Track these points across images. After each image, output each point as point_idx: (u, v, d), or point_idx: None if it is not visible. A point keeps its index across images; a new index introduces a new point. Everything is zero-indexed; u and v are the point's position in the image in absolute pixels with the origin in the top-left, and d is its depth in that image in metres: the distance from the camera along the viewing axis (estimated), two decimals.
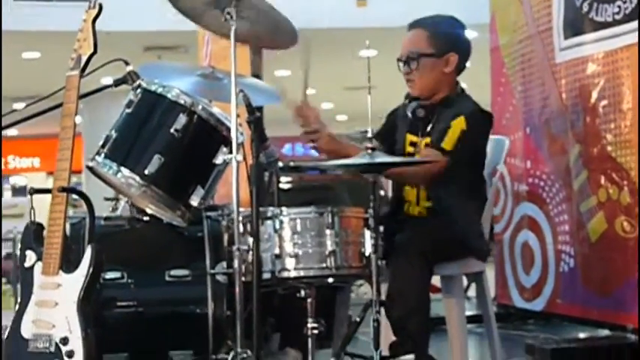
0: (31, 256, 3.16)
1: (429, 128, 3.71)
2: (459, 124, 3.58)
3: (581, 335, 5.24)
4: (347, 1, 12.23)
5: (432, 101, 3.73)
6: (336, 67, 14.80)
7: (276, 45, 3.54)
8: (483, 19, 6.53)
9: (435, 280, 3.66)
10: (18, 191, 23.27)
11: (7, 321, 3.16)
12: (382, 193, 4.32)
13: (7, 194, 22.91)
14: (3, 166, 21.99)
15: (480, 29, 8.19)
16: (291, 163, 6.20)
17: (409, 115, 3.76)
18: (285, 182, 6.14)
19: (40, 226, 3.22)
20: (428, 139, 3.68)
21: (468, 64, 3.81)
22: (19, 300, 3.15)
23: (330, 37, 11.49)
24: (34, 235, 3.20)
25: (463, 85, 3.85)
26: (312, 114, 3.63)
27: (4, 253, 10.24)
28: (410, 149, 3.76)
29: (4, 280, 10.17)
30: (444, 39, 3.74)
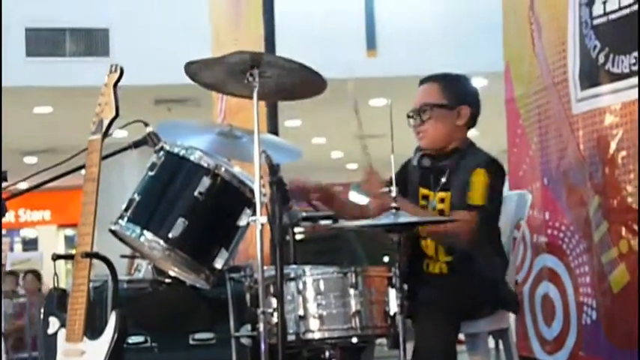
0: (54, 323, 3.14)
1: (442, 182, 3.70)
2: (480, 178, 3.58)
3: None
4: (357, 51, 12.29)
5: (438, 152, 3.73)
6: (347, 116, 14.84)
7: (305, 95, 3.53)
8: (495, 68, 6.55)
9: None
10: (28, 244, 23.29)
11: None
12: None
13: (17, 247, 22.93)
14: (14, 219, 22.02)
15: (491, 78, 8.24)
16: (304, 213, 6.19)
17: (415, 164, 3.78)
18: (298, 232, 6.13)
19: (64, 292, 3.21)
20: (443, 194, 3.67)
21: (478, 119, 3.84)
22: None
23: (340, 87, 11.53)
24: (57, 301, 3.18)
25: (476, 132, 3.86)
26: (377, 179, 3.65)
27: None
28: (422, 203, 3.75)
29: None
30: (457, 92, 3.79)
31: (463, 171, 3.64)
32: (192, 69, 3.32)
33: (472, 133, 3.87)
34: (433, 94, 3.78)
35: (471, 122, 3.80)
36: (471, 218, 3.53)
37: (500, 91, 6.00)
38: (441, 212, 3.68)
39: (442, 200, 3.69)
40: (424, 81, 3.85)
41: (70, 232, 22.56)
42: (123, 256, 4.23)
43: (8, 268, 10.71)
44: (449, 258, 3.67)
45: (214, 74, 3.36)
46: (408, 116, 3.80)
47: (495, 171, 3.66)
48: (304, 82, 3.42)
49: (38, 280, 10.76)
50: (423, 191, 3.78)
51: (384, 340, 3.66)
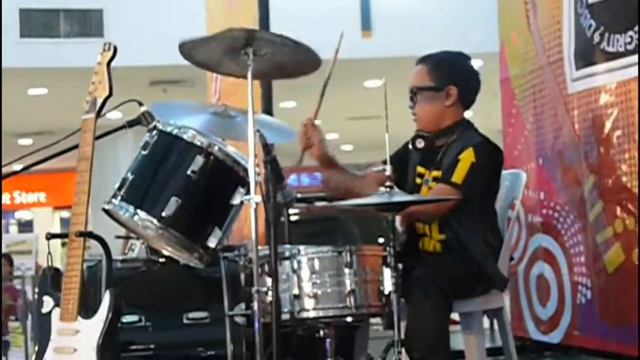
0: (48, 302, 3.14)
1: (436, 160, 3.70)
2: (468, 157, 3.59)
3: None
4: (352, 31, 12.24)
5: (437, 137, 3.73)
6: (341, 97, 14.81)
7: (299, 73, 3.51)
8: (490, 49, 6.54)
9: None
10: (24, 226, 23.29)
11: (17, 358, 3.14)
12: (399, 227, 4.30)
13: (13, 229, 22.93)
14: (9, 202, 22.01)
15: (486, 58, 8.23)
16: (298, 195, 6.19)
17: (410, 146, 3.78)
18: (292, 214, 6.13)
19: (57, 271, 3.20)
20: (436, 173, 3.67)
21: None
22: (34, 345, 3.12)
23: (335, 68, 11.50)
24: (51, 281, 3.18)
25: (470, 113, 3.85)
26: (317, 134, 3.71)
27: None
28: (418, 180, 3.76)
29: (12, 317, 10.13)
30: (444, 72, 3.77)
31: (454, 150, 3.64)
32: (187, 47, 3.30)
33: (467, 114, 3.85)
34: (421, 76, 3.78)
35: (466, 101, 3.79)
36: (446, 192, 3.54)
37: (495, 72, 5.99)
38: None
39: (436, 179, 3.68)
40: (417, 63, 3.85)
41: (65, 214, 22.56)
42: (118, 237, 4.23)
43: (3, 249, 10.66)
44: (442, 236, 3.66)
45: (209, 53, 3.34)
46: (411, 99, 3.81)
47: (484, 151, 3.64)
48: (299, 60, 3.40)
49: (10, 264, 10.70)
50: (420, 169, 3.78)
51: (378, 320, 3.67)
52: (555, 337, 5.31)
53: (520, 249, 5.61)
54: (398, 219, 3.96)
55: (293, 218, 6.20)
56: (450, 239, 3.64)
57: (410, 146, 3.80)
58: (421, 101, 3.75)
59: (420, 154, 3.78)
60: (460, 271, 3.54)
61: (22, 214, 23.88)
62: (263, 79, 3.98)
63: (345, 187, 3.76)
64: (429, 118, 3.75)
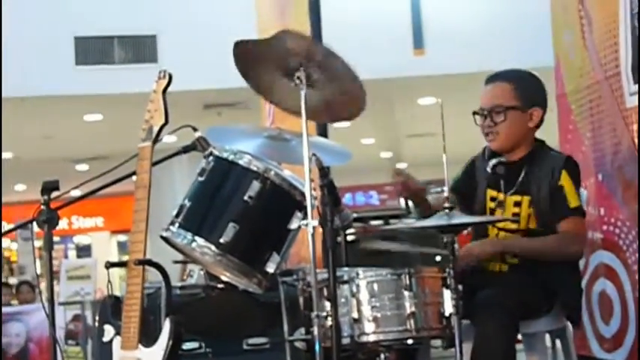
0: (109, 331, 3.15)
1: (517, 184, 3.65)
2: (567, 180, 3.60)
3: None
4: (404, 50, 12.23)
5: (513, 159, 3.68)
6: (395, 115, 14.78)
7: (346, 115, 3.49)
8: (544, 64, 6.47)
9: None
10: (82, 250, 23.52)
11: None
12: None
13: (71, 254, 23.18)
14: (67, 227, 22.24)
15: (541, 73, 8.16)
16: (354, 215, 6.17)
17: (489, 171, 3.71)
18: (349, 234, 6.10)
19: (117, 300, 3.22)
20: (517, 197, 3.64)
21: None
22: None
23: (388, 87, 11.50)
24: (111, 309, 3.19)
25: None
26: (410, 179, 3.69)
27: (70, 315, 10.28)
28: (491, 205, 3.70)
29: (71, 342, 10.22)
30: (529, 93, 3.73)
31: (542, 173, 3.62)
32: (242, 58, 3.27)
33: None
34: (506, 94, 3.71)
35: (541, 123, 3.76)
36: (578, 223, 3.60)
37: (550, 87, 5.93)
38: (516, 215, 3.63)
39: (517, 204, 3.64)
40: (494, 78, 3.77)
41: (122, 237, 22.76)
42: (175, 262, 4.24)
43: (62, 274, 10.76)
44: (516, 260, 3.62)
45: (264, 73, 3.32)
46: (475, 113, 3.74)
47: (574, 169, 3.69)
48: (346, 96, 3.37)
49: (32, 290, 10.77)
50: (492, 193, 3.73)
51: (438, 341, 3.63)
52: (619, 355, 5.21)
53: (581, 266, 5.53)
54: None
55: (349, 238, 6.17)
56: (523, 265, 3.60)
57: (489, 170, 3.74)
58: (506, 121, 3.69)
59: (492, 178, 3.73)
60: (527, 292, 3.50)
61: (80, 239, 24.12)
62: (311, 119, 3.94)
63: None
64: (511, 139, 3.70)
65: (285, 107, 3.50)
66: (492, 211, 3.69)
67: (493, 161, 3.72)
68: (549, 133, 6.10)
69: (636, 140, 4.94)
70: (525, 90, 3.71)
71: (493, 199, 3.71)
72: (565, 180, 3.57)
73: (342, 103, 3.39)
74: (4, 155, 15.42)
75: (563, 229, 3.56)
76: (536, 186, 3.60)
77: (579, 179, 3.71)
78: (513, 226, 3.60)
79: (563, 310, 3.63)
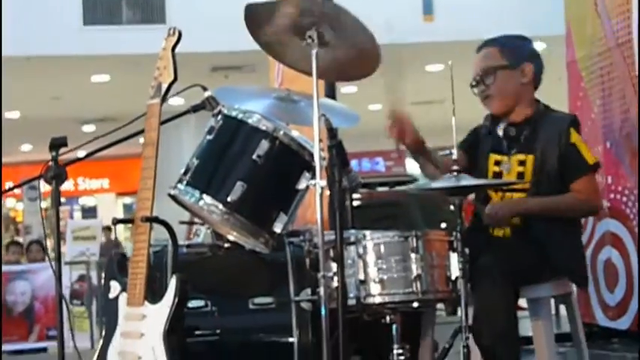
0: (115, 287, 3.15)
1: (520, 144, 3.65)
2: (578, 138, 3.61)
3: None
4: (414, 15, 12.17)
5: (516, 120, 3.68)
6: (403, 82, 14.73)
7: (359, 74, 3.46)
8: (554, 32, 6.44)
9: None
10: (88, 212, 23.58)
11: (82, 342, 3.14)
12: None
13: (77, 215, 23.24)
14: (73, 188, 22.28)
15: (550, 42, 8.11)
16: (361, 180, 6.16)
17: (500, 134, 3.70)
18: (354, 199, 6.09)
19: (124, 256, 3.21)
20: (521, 156, 3.63)
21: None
22: (100, 330, 3.13)
23: (397, 53, 11.44)
24: (117, 266, 3.19)
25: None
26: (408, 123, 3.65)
27: (76, 275, 10.32)
28: (495, 168, 3.70)
29: (76, 302, 10.27)
30: (516, 51, 3.75)
31: (548, 132, 3.60)
32: (253, 21, 3.26)
33: None
34: (493, 57, 3.73)
35: (536, 80, 3.75)
36: (592, 182, 3.62)
37: (560, 55, 5.90)
38: (521, 174, 3.62)
39: (522, 163, 3.63)
40: (481, 47, 3.80)
41: (128, 200, 22.80)
42: (182, 222, 4.24)
43: (68, 235, 10.80)
44: (517, 220, 3.61)
45: (275, 32, 3.30)
46: (471, 86, 3.75)
47: (579, 127, 3.68)
48: (360, 57, 3.34)
49: (42, 250, 10.81)
50: (495, 157, 3.72)
51: (442, 306, 3.63)
52: (623, 323, 5.22)
53: (587, 234, 5.53)
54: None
55: (355, 203, 6.15)
56: (525, 224, 3.59)
57: (485, 131, 3.75)
58: (496, 81, 3.69)
59: (493, 141, 3.73)
60: (529, 258, 3.49)
61: (86, 200, 24.18)
62: (323, 78, 3.89)
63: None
64: (506, 97, 3.69)
65: (297, 68, 3.47)
66: (497, 175, 3.68)
67: (503, 123, 3.70)
68: (559, 101, 6.09)
69: None
70: (511, 49, 3.73)
71: (497, 162, 3.70)
72: (575, 137, 3.57)
73: (356, 61, 3.35)
74: (11, 115, 15.42)
75: (580, 187, 3.56)
76: (541, 146, 3.58)
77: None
78: (519, 186, 3.58)
79: (569, 276, 3.62)
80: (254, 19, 3.30)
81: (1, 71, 10.65)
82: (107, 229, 11.67)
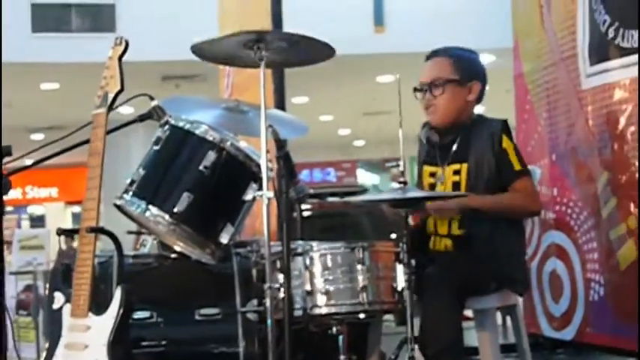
0: (59, 298, 3.12)
1: (451, 154, 3.67)
2: (507, 142, 3.61)
3: None
4: (364, 26, 12.22)
5: (445, 127, 3.71)
6: (354, 92, 14.79)
7: (314, 61, 3.47)
8: (503, 44, 6.50)
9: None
10: (36, 221, 23.35)
11: (29, 353, 3.12)
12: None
13: (25, 224, 22.99)
14: (21, 196, 22.06)
15: (499, 54, 8.19)
16: (311, 190, 6.17)
17: (423, 141, 3.75)
18: (304, 210, 6.11)
19: (68, 267, 3.19)
20: (456, 166, 3.65)
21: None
22: (44, 341, 3.10)
23: (347, 64, 11.49)
24: (62, 277, 3.17)
25: (482, 108, 3.84)
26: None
27: (22, 285, 10.19)
28: (430, 180, 3.74)
29: (23, 312, 10.15)
30: (468, 67, 3.76)
31: (480, 139, 3.62)
32: (199, 48, 3.27)
33: (478, 110, 3.84)
34: (445, 68, 3.73)
35: (480, 98, 3.78)
36: (527, 185, 3.60)
37: (508, 68, 5.97)
38: (456, 184, 3.65)
39: (456, 172, 3.66)
40: (434, 54, 3.80)
41: (77, 209, 22.61)
42: (129, 232, 4.22)
43: (15, 244, 10.67)
44: (460, 232, 3.64)
45: (221, 50, 3.30)
46: (416, 89, 3.76)
47: (510, 132, 3.69)
48: (312, 51, 3.35)
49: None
50: (429, 169, 3.75)
51: (391, 317, 3.64)
52: (568, 334, 5.28)
53: (533, 245, 5.58)
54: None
55: (305, 214, 6.17)
56: (466, 236, 3.62)
57: (423, 140, 3.78)
58: (444, 95, 3.71)
59: (425, 151, 3.76)
60: (471, 269, 3.52)
61: (34, 209, 23.93)
62: (278, 67, 3.87)
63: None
64: (450, 112, 3.71)
65: (252, 67, 3.47)
66: (432, 186, 3.71)
67: (425, 130, 3.75)
68: (507, 113, 6.16)
69: (590, 122, 4.98)
70: (464, 64, 3.74)
71: (432, 174, 3.74)
72: (506, 142, 3.60)
73: (308, 51, 3.36)
74: None
75: (517, 189, 3.60)
76: (475, 153, 3.61)
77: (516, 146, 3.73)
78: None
79: (509, 286, 3.65)
80: (201, 50, 3.29)
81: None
82: (69, 238, 11.63)
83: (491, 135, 3.60)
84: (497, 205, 3.58)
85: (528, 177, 3.63)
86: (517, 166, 3.61)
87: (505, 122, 3.69)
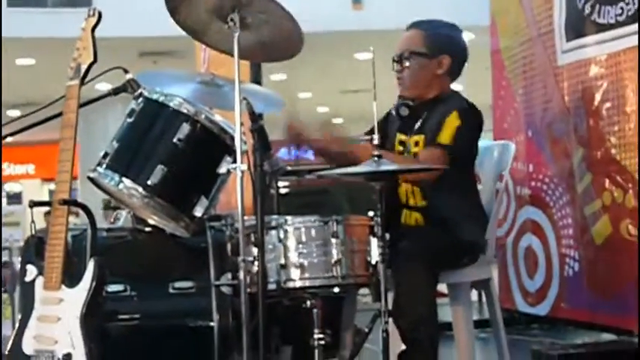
0: (31, 271, 3.10)
1: (417, 126, 3.68)
2: (452, 120, 3.57)
3: (587, 340, 5.19)
4: (343, 4, 12.18)
5: (418, 100, 3.71)
6: (332, 69, 14.76)
7: (281, 56, 3.47)
8: (482, 22, 6.50)
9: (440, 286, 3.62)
10: (13, 198, 23.21)
11: (5, 330, 3.11)
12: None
13: (2, 201, 22.86)
14: None
15: (478, 32, 8.18)
16: (289, 167, 6.16)
17: (393, 113, 3.76)
18: (282, 187, 6.10)
19: (41, 240, 3.17)
20: (417, 137, 3.66)
21: (464, 69, 3.80)
22: (19, 315, 3.09)
23: (325, 41, 11.46)
24: (34, 249, 3.15)
25: (460, 86, 3.83)
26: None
27: None
28: (399, 148, 3.74)
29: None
30: (439, 41, 3.75)
31: (438, 114, 3.62)
32: (173, 4, 3.24)
33: (458, 88, 3.83)
34: (415, 41, 3.74)
35: (454, 73, 3.77)
36: (436, 155, 3.51)
37: (487, 45, 5.97)
38: (416, 155, 3.65)
39: (417, 143, 3.68)
40: (411, 26, 3.81)
41: (54, 186, 22.49)
42: (105, 208, 4.20)
43: None
44: (424, 203, 3.64)
45: (196, 13, 3.28)
46: (394, 60, 3.77)
47: (468, 116, 3.63)
48: (282, 39, 3.34)
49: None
50: (400, 137, 3.76)
51: (366, 291, 3.64)
52: (543, 309, 5.31)
53: (509, 221, 5.61)
54: None
55: (282, 191, 6.16)
56: (432, 207, 3.62)
57: (393, 113, 3.78)
58: (411, 66, 3.72)
59: (401, 122, 3.76)
60: (443, 242, 3.53)
61: (11, 186, 23.79)
62: (247, 59, 3.86)
63: (345, 151, 3.70)
64: (417, 83, 3.72)
65: (220, 49, 3.45)
66: (401, 154, 3.72)
67: (397, 102, 3.75)
68: (485, 90, 6.16)
69: (566, 98, 5.00)
70: (435, 38, 3.74)
71: (402, 142, 3.74)
72: (450, 119, 3.55)
73: (279, 42, 3.35)
74: None
75: (422, 157, 3.56)
76: (430, 127, 3.62)
77: (471, 129, 3.63)
78: None
79: (473, 250, 3.65)
80: (174, 2, 3.26)
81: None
82: (48, 214, 11.55)
83: (446, 111, 3.60)
84: (405, 161, 3.59)
85: (444, 152, 3.52)
86: (444, 140, 3.54)
87: (468, 106, 3.67)
